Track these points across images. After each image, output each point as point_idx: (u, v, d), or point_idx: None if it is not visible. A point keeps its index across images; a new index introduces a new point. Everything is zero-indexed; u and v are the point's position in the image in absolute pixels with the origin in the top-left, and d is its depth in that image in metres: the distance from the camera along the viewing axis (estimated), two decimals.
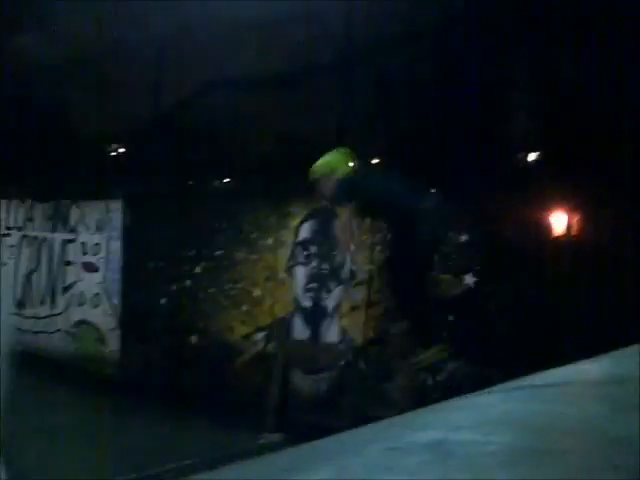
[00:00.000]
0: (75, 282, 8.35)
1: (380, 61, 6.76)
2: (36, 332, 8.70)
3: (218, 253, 7.09)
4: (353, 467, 1.29)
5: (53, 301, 8.61)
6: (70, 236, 8.50)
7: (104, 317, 7.92)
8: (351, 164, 4.83)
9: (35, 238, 8.99)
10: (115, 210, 8.01)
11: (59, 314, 8.51)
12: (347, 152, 4.92)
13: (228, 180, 7.83)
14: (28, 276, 8.98)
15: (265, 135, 7.46)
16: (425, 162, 5.95)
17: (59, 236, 8.66)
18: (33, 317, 8.81)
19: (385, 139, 6.77)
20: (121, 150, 9.89)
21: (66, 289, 8.46)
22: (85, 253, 8.28)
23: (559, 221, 5.27)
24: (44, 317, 8.69)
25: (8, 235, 9.36)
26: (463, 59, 5.96)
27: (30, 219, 9.11)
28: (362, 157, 6.63)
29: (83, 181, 8.77)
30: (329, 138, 7.08)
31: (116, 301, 7.83)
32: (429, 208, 4.63)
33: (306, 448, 1.66)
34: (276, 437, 5.93)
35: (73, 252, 8.43)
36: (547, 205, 5.31)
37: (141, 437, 6.09)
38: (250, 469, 1.68)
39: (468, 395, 2.21)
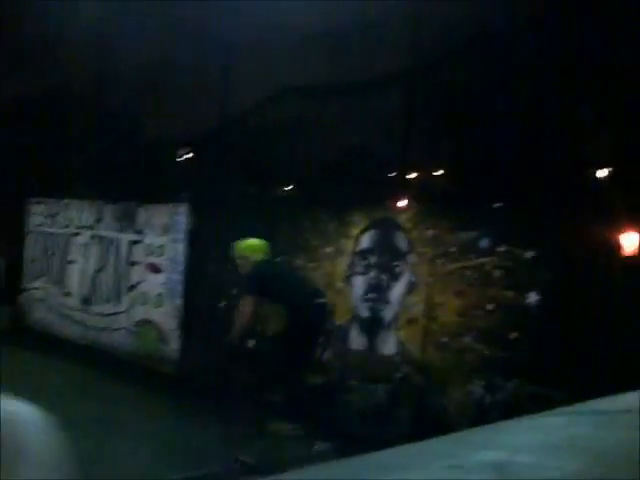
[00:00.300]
0: (139, 282, 8.59)
1: (447, 71, 6.70)
2: (101, 329, 9.00)
3: (278, 259, 7.16)
4: None
5: (118, 299, 8.88)
6: (136, 237, 8.76)
7: (166, 317, 8.11)
8: (264, 254, 5.82)
9: (103, 238, 9.31)
10: (180, 213, 8.21)
11: (123, 312, 8.77)
12: (264, 243, 5.92)
13: (291, 187, 7.92)
14: (95, 274, 9.30)
15: (330, 144, 7.51)
16: (492, 175, 5.85)
17: (126, 237, 8.93)
18: (98, 314, 9.11)
19: (451, 150, 6.70)
20: (188, 155, 10.15)
21: (131, 288, 8.71)
22: (150, 254, 8.51)
23: (630, 240, 5.08)
24: (109, 314, 8.97)
25: (78, 234, 9.73)
26: (532, 69, 5.85)
27: (99, 219, 9.44)
28: (428, 168, 6.61)
29: (151, 184, 9.04)
30: (393, 148, 7.08)
31: (178, 302, 8.00)
32: (317, 300, 5.70)
33: (365, 459, 1.64)
34: (328, 446, 5.92)
35: (139, 253, 8.68)
36: (617, 223, 5.13)
37: (195, 436, 6.19)
38: (306, 478, 1.67)
39: (531, 416, 2.15)
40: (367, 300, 6.41)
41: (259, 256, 5.80)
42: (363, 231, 6.57)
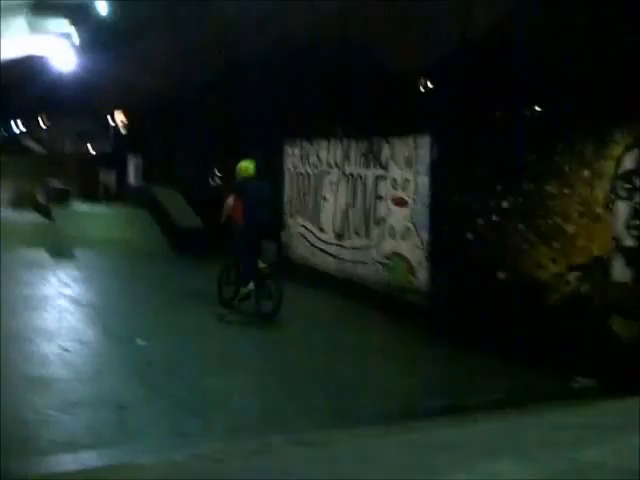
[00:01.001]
0: (387, 216, 8.83)
1: None
2: (353, 262, 9.51)
3: (528, 187, 6.77)
4: None
5: (367, 233, 9.26)
6: (382, 172, 8.96)
7: (413, 250, 8.26)
8: (249, 173, 8.27)
9: (351, 175, 9.70)
10: (423, 145, 8.16)
11: (373, 246, 9.13)
12: (251, 165, 8.33)
13: (539, 108, 7.34)
14: (345, 210, 9.79)
15: (581, 55, 6.76)
16: None
17: (372, 172, 9.19)
18: (351, 248, 9.62)
19: None
20: (428, 85, 9.94)
21: (379, 222, 9.00)
22: (395, 188, 8.67)
23: None
24: (360, 248, 9.42)
25: (329, 172, 10.28)
26: None
27: (347, 157, 9.83)
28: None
29: (393, 118, 9.09)
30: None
31: (424, 235, 8.08)
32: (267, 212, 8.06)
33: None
34: (590, 382, 5.60)
35: (385, 187, 8.89)
36: None
37: (445, 367, 6.32)
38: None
39: None
40: (632, 227, 5.78)
41: (246, 173, 8.24)
42: (626, 150, 5.88)
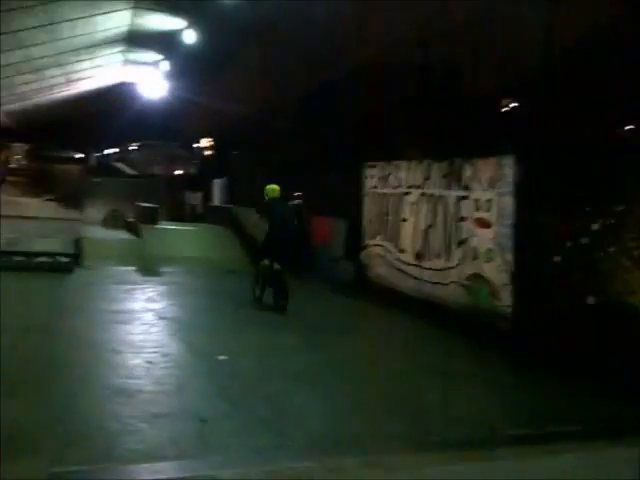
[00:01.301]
0: (469, 237, 8.64)
1: None
2: (434, 283, 9.34)
3: (620, 209, 6.45)
4: None
5: (448, 255, 9.08)
6: (464, 193, 8.79)
7: (496, 272, 8.01)
8: (276, 194, 9.60)
9: (432, 195, 9.57)
10: (506, 166, 7.96)
11: (454, 267, 8.94)
12: (277, 187, 9.64)
13: (632, 127, 7.03)
14: (426, 231, 9.66)
15: None
16: None
17: (454, 193, 9.04)
18: (431, 269, 9.46)
19: None
20: (510, 105, 9.75)
21: (460, 244, 8.82)
22: (478, 209, 8.47)
23: None
24: (440, 269, 9.24)
25: (409, 193, 10.19)
26: None
27: (427, 178, 9.72)
28: None
29: (475, 138, 8.94)
30: None
31: (509, 257, 7.83)
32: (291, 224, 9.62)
33: None
34: None
35: (467, 208, 8.71)
36: None
37: (527, 393, 6.08)
38: None
39: None
40: None
41: (273, 195, 9.56)
42: None
